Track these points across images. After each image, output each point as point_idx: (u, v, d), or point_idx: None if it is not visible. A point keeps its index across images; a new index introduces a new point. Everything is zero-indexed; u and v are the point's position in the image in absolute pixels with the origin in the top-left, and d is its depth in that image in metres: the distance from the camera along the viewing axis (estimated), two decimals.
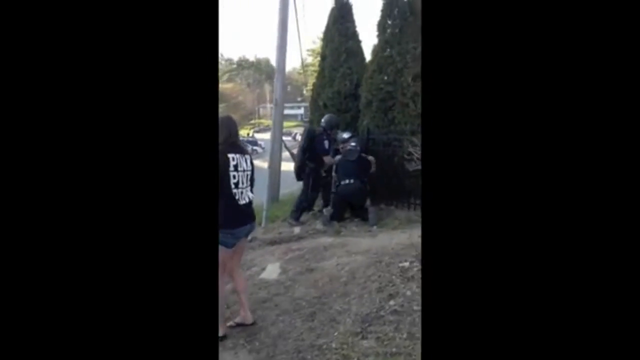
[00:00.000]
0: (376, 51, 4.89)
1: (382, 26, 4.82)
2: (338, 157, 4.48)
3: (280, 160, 5.79)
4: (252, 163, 2.22)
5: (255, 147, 26.93)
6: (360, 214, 4.28)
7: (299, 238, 3.87)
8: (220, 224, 1.99)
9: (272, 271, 3.10)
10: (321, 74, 5.64)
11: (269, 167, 5.43)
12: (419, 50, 4.49)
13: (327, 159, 4.50)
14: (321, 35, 5.78)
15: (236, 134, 2.19)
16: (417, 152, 3.00)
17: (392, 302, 2.18)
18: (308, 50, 24.10)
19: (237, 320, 2.28)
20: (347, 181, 4.22)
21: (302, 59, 7.37)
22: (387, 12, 4.77)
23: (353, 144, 4.38)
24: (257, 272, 3.14)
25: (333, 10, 5.53)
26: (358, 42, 5.61)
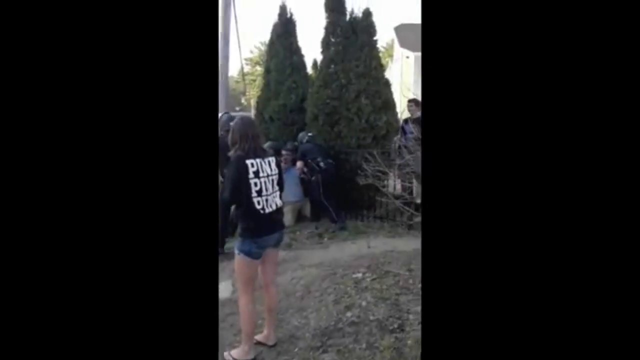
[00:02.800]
0: (321, 67, 5.05)
1: (325, 43, 4.99)
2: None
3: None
4: (278, 166, 2.02)
5: None
6: (325, 210, 4.41)
7: None
8: (243, 233, 1.91)
9: (223, 289, 3.02)
10: (266, 87, 5.66)
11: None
12: (361, 67, 4.73)
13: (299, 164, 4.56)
14: (258, 44, 5.82)
15: (254, 137, 1.94)
16: (370, 168, 3.14)
17: (349, 314, 2.26)
18: (245, 59, 23.89)
19: (259, 337, 2.15)
20: (329, 160, 4.37)
21: (242, 67, 7.31)
22: (330, 30, 4.96)
23: (310, 134, 4.64)
24: None
25: (276, 25, 5.60)
26: (301, 57, 5.74)
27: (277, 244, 2.09)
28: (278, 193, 2.01)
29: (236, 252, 1.97)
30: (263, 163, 1.93)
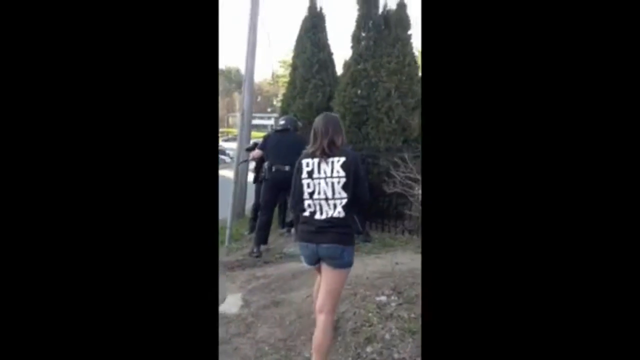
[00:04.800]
0: (349, 64, 4.70)
1: (356, 38, 4.65)
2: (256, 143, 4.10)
3: (247, 171, 5.43)
4: (347, 167, 1.66)
5: (223, 157, 26.24)
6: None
7: (264, 263, 3.52)
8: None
9: (232, 304, 2.74)
10: (292, 84, 5.40)
11: (235, 180, 5.05)
12: (393, 64, 4.35)
13: (255, 153, 3.97)
14: (294, 46, 5.54)
15: (325, 134, 1.69)
16: (399, 175, 2.75)
17: (369, 349, 1.90)
18: (280, 62, 23.83)
19: None
20: (280, 167, 3.55)
21: (272, 69, 7.06)
22: (361, 24, 4.62)
23: (282, 122, 3.93)
24: None
25: (306, 19, 5.33)
26: (330, 54, 5.42)
27: (327, 260, 1.69)
28: (343, 201, 1.66)
29: None
30: (323, 163, 1.68)
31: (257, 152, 3.94)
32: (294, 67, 5.44)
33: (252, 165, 4.53)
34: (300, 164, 1.74)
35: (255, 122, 5.41)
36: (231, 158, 26.73)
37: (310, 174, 1.69)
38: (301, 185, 1.71)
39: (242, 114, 5.31)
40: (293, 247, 3.80)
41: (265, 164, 3.76)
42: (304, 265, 1.86)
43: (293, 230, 4.17)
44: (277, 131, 3.97)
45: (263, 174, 3.80)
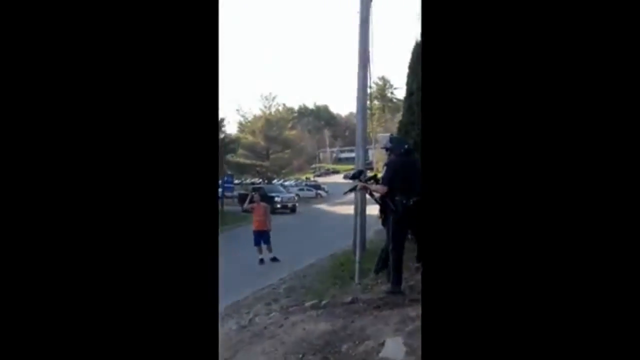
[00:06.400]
0: None
1: None
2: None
3: (365, 204, 5.30)
4: None
5: (319, 192, 27.03)
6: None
7: (410, 301, 3.22)
8: None
9: (394, 348, 2.48)
10: (409, 110, 5.25)
11: (356, 213, 4.96)
12: None
13: (381, 189, 3.35)
14: (376, 79, 5.47)
15: None
16: None
17: None
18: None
19: None
20: (416, 199, 3.06)
21: (371, 99, 7.01)
22: None
23: (394, 141, 3.46)
24: (374, 348, 2.54)
25: (417, 45, 5.24)
26: None
27: None
28: None
29: None
30: None
31: (382, 189, 3.31)
32: (410, 92, 5.32)
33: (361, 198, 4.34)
34: None
35: (345, 155, 5.33)
36: (326, 192, 27.48)
37: None
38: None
39: (359, 146, 5.29)
40: None
41: (397, 198, 3.21)
42: None
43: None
44: (402, 154, 3.38)
45: (395, 208, 3.23)
